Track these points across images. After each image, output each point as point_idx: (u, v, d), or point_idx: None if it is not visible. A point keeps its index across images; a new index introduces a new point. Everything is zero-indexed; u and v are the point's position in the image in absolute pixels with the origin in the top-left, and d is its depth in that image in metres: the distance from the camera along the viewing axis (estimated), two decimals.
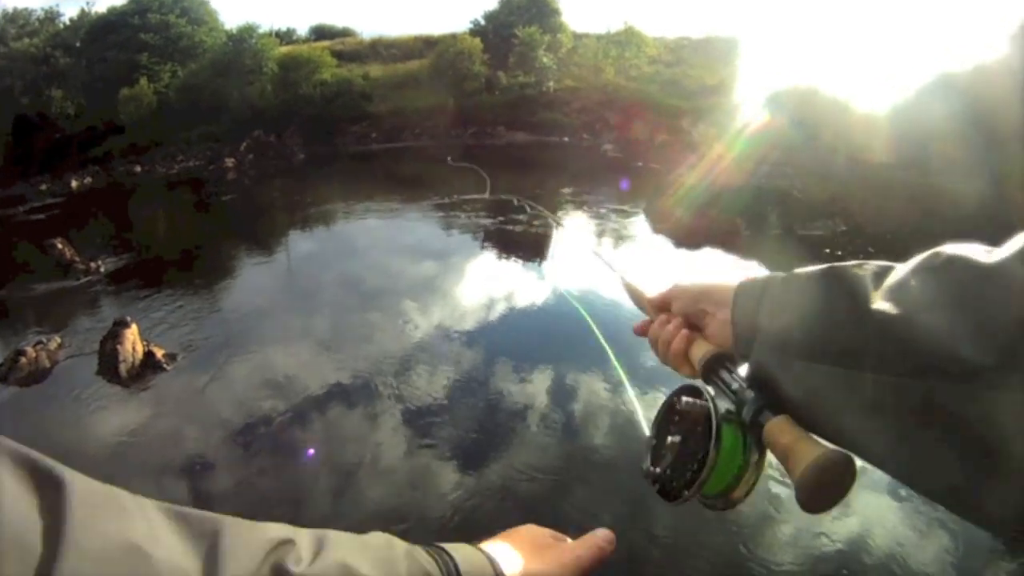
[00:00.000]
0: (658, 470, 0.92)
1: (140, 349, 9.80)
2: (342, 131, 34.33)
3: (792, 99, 25.01)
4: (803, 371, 0.77)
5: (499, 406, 8.53)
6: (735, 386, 0.89)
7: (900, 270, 0.75)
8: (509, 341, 10.65)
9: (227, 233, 20.19)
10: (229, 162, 32.09)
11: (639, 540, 5.86)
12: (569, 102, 33.87)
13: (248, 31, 38.21)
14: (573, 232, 17.76)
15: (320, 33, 51.86)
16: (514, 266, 15.15)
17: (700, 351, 0.99)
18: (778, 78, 27.39)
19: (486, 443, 7.63)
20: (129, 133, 36.11)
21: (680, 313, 1.08)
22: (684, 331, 1.04)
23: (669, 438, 0.93)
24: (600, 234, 17.55)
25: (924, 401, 0.64)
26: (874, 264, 0.79)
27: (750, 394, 0.85)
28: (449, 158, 26.05)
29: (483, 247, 16.61)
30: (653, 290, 1.19)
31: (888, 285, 0.74)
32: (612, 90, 33.34)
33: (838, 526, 5.93)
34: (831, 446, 0.73)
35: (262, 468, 7.28)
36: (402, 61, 39.36)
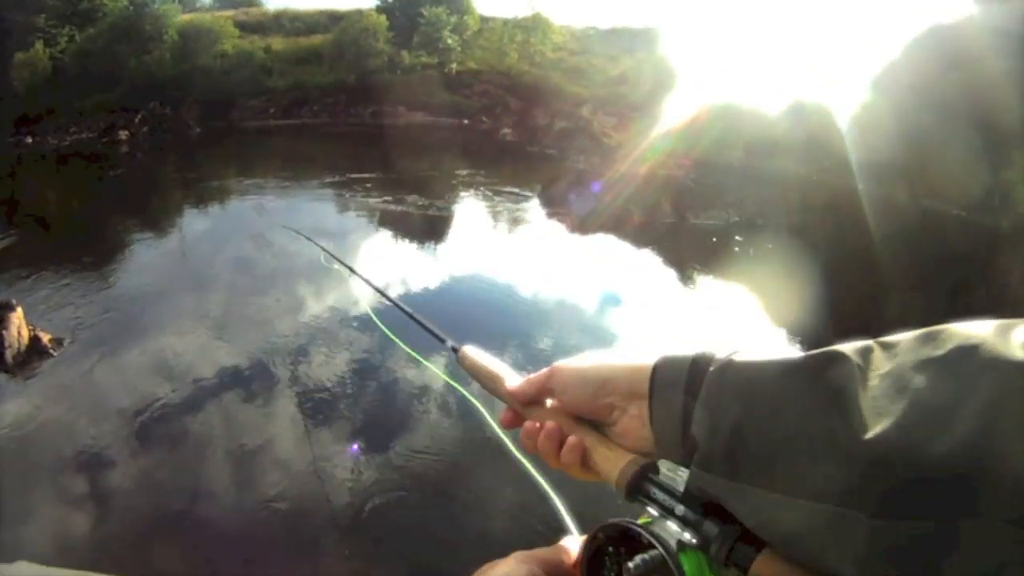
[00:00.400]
0: None
1: (26, 334, 9.35)
2: (239, 105, 33.51)
3: (695, 95, 25.64)
4: (777, 504, 0.60)
5: (395, 389, 8.56)
6: (681, 511, 0.67)
7: (914, 364, 0.58)
8: (404, 329, 10.67)
9: (119, 210, 19.44)
10: (123, 135, 30.91)
11: None
12: (471, 85, 33.91)
13: None
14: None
15: (224, 1, 50.48)
16: (408, 247, 15.19)
17: (614, 462, 0.75)
18: (683, 72, 28.05)
19: (380, 426, 7.66)
20: (24, 101, 33.95)
21: (570, 408, 0.83)
22: (576, 438, 0.81)
23: None
24: (495, 219, 17.68)
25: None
26: (863, 347, 0.63)
27: (712, 525, 0.64)
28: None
29: (376, 228, 16.58)
30: (515, 377, 0.92)
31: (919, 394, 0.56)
32: (515, 75, 33.57)
33: None
34: None
35: (157, 459, 7.11)
36: (305, 35, 38.60)
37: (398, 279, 12.47)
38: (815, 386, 0.60)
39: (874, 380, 0.59)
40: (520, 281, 12.94)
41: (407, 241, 15.66)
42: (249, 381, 8.65)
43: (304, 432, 7.46)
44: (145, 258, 14.43)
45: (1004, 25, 20.84)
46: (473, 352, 0.99)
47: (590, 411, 0.81)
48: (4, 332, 9.14)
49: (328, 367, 9.03)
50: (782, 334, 11.22)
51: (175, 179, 23.46)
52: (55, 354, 9.35)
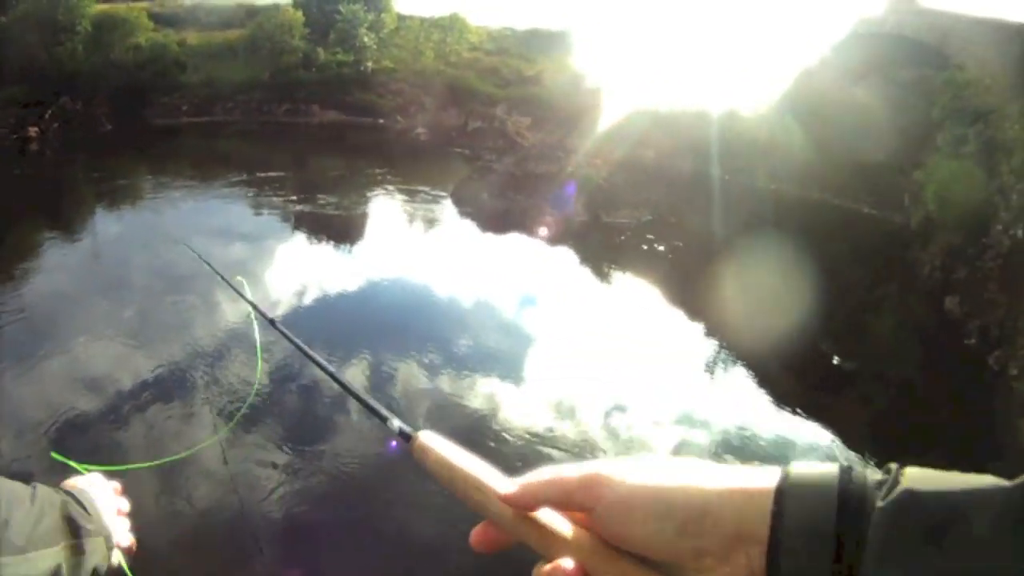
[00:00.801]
0: None
1: None
2: (151, 102, 32.87)
3: (610, 95, 26.20)
4: None
5: (311, 395, 8.73)
6: None
7: None
8: (316, 331, 10.84)
9: (27, 211, 18.97)
10: (32, 131, 29.98)
11: None
12: (386, 84, 33.97)
13: None
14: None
15: None
16: (320, 250, 15.33)
17: None
18: (598, 73, 28.53)
19: (300, 431, 7.82)
20: None
21: (619, 540, 0.57)
22: None
23: None
24: (410, 220, 17.90)
25: None
26: None
27: None
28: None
29: (290, 231, 16.66)
30: (500, 479, 0.67)
31: None
32: (430, 74, 33.78)
33: None
34: None
35: (70, 473, 7.06)
36: (221, 29, 37.89)
37: (302, 291, 12.64)
38: None
39: None
40: (433, 283, 13.29)
41: (316, 244, 15.82)
42: (161, 390, 8.73)
43: (222, 444, 7.55)
44: (54, 262, 14.29)
45: (915, 35, 22.01)
46: (433, 442, 0.75)
47: (662, 552, 0.54)
48: None
49: (242, 376, 9.15)
50: (697, 330, 11.79)
51: (85, 179, 23.10)
52: None
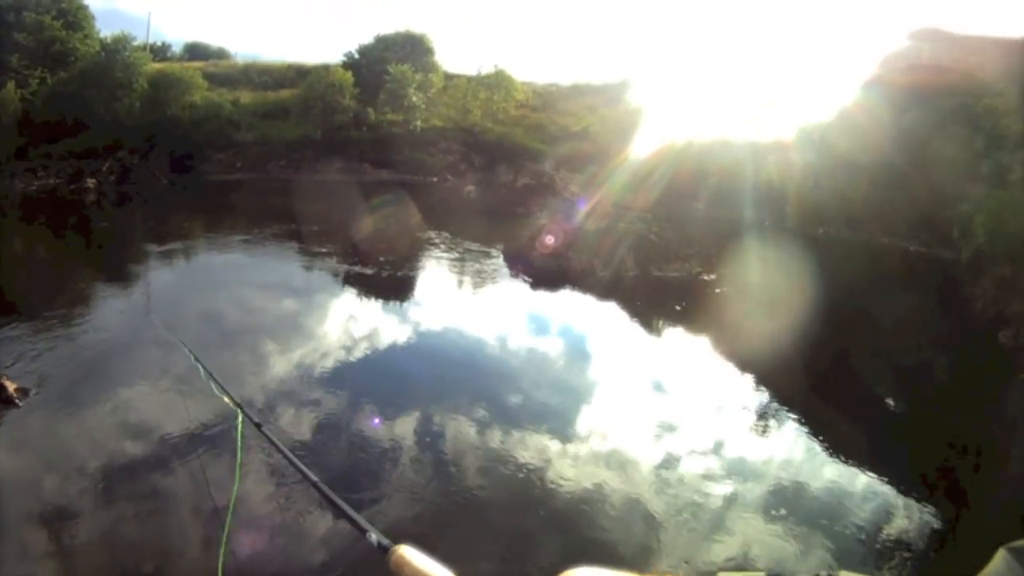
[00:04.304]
0: None
1: None
2: (207, 158, 33.65)
3: (657, 149, 26.34)
4: None
5: (366, 443, 8.78)
6: None
7: None
8: (369, 380, 10.94)
9: (86, 260, 19.48)
10: (91, 183, 30.82)
11: None
12: (436, 142, 34.52)
13: (122, 42, 36.42)
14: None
15: (194, 52, 50.68)
16: (373, 306, 15.45)
17: None
18: (644, 126, 28.76)
19: (350, 491, 7.81)
20: None
21: None
22: None
23: None
24: (461, 278, 18.02)
25: None
26: None
27: None
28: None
29: (342, 287, 16.83)
30: None
31: None
32: (478, 132, 34.31)
33: None
34: None
35: (123, 515, 7.10)
36: (273, 89, 38.91)
37: (352, 346, 12.70)
38: None
39: None
40: (485, 340, 13.29)
41: (366, 300, 15.89)
42: (213, 438, 8.76)
43: (268, 497, 7.57)
44: (110, 312, 14.43)
45: (952, 64, 21.75)
46: (412, 556, 0.78)
47: None
48: None
49: (289, 429, 9.20)
50: (749, 380, 11.67)
51: (142, 232, 23.50)
52: (20, 404, 9.34)
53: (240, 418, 2.28)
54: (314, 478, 1.19)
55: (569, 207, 20.59)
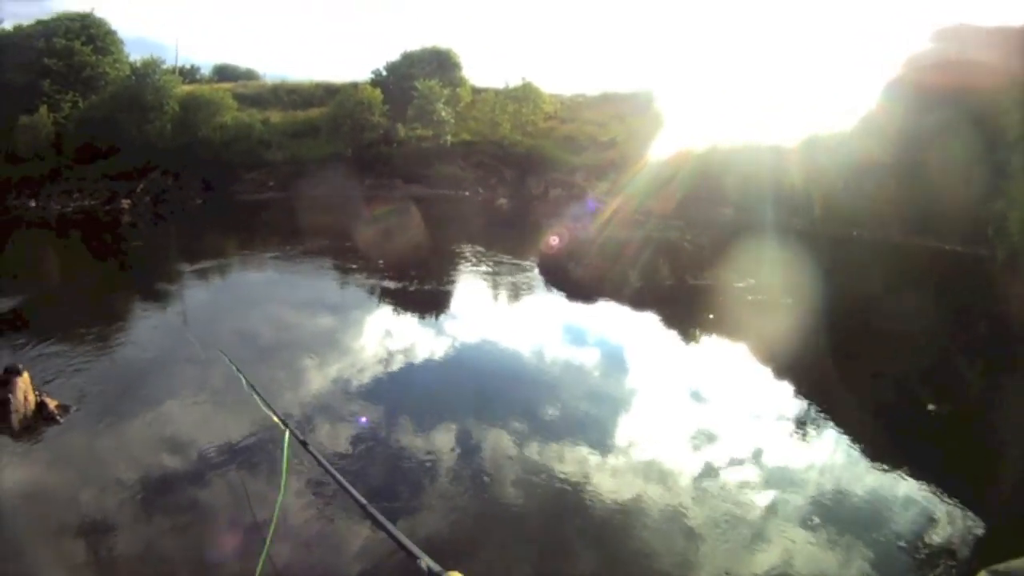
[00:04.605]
0: None
1: (32, 399, 9.29)
2: (239, 177, 34.01)
3: (685, 155, 26.25)
4: None
5: (405, 456, 8.75)
6: None
7: None
8: (407, 394, 10.90)
9: (123, 279, 19.71)
10: (125, 203, 31.39)
11: None
12: (466, 156, 34.61)
13: (151, 66, 37.28)
14: None
15: (223, 74, 51.46)
16: (409, 321, 15.44)
17: None
18: (672, 133, 28.69)
19: (390, 503, 7.78)
20: (26, 165, 34.27)
21: None
22: None
23: None
24: (495, 291, 17.97)
25: None
26: None
27: None
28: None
29: (377, 303, 16.86)
30: None
31: None
32: (508, 144, 34.30)
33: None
34: None
35: (163, 529, 7.05)
36: (303, 108, 39.30)
37: (388, 360, 12.68)
38: None
39: None
40: (521, 352, 13.19)
41: (402, 315, 15.76)
42: (252, 452, 8.77)
43: (308, 509, 7.58)
44: (147, 329, 14.50)
45: (980, 56, 21.36)
46: None
47: None
48: (11, 396, 9.12)
49: (328, 444, 9.18)
50: (787, 388, 11.52)
51: (176, 251, 23.67)
52: (61, 421, 9.31)
53: (287, 435, 2.22)
54: (362, 500, 1.14)
55: (579, 209, 20.60)
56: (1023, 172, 17.03)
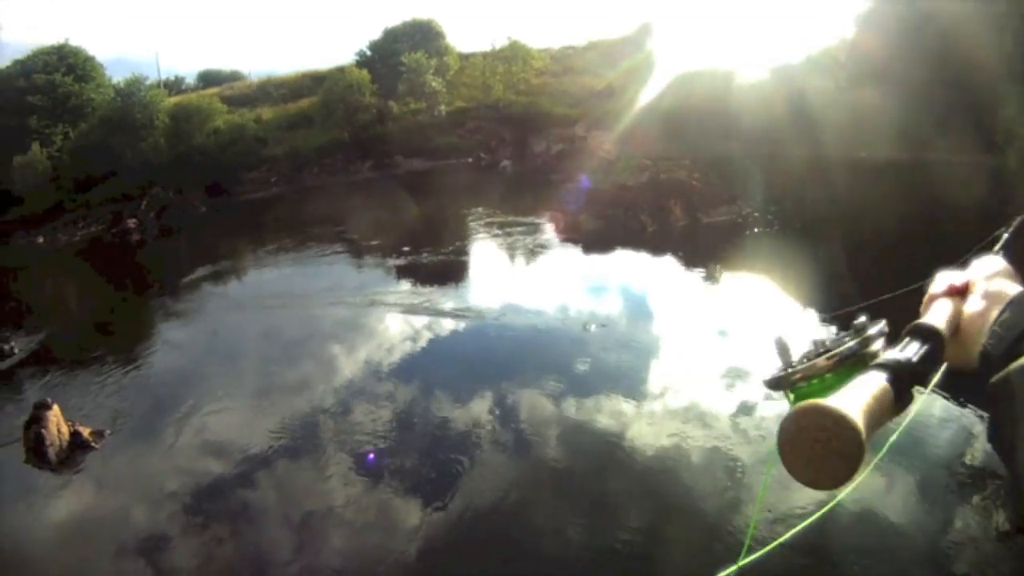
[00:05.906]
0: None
1: (66, 430, 9.39)
2: (240, 179, 33.86)
3: (681, 86, 25.92)
4: None
5: (441, 437, 8.73)
6: None
7: None
8: (435, 375, 10.84)
9: (139, 298, 19.80)
10: (131, 223, 31.35)
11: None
12: (463, 123, 34.30)
13: (135, 84, 37.05)
14: None
15: (208, 79, 51.05)
16: (432, 293, 15.35)
17: None
18: (666, 72, 28.30)
19: (437, 476, 7.77)
20: (27, 202, 34.13)
21: None
22: None
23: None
24: (512, 252, 17.85)
25: None
26: None
27: None
28: None
29: (397, 279, 16.79)
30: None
31: None
32: (503, 106, 33.88)
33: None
34: None
35: (217, 535, 7.16)
36: (292, 100, 38.99)
37: (416, 336, 12.69)
38: None
39: None
40: (547, 309, 13.15)
41: (424, 288, 15.72)
42: (292, 449, 8.78)
43: (357, 493, 7.60)
44: (170, 342, 14.61)
45: None
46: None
47: None
48: (43, 431, 9.22)
49: (368, 426, 9.19)
50: (814, 316, 11.40)
51: (189, 259, 23.67)
52: (97, 447, 9.45)
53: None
54: None
55: (572, 192, 20.48)
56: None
